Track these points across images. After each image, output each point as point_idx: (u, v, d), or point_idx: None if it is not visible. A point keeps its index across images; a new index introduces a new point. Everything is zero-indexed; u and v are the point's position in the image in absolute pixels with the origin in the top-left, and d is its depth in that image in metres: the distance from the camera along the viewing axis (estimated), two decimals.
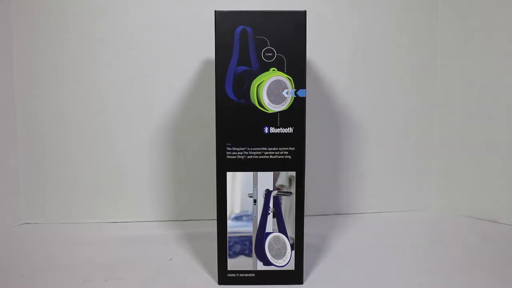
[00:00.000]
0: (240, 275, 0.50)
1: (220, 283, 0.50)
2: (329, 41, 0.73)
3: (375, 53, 0.74)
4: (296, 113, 0.48)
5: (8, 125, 0.69)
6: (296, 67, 0.47)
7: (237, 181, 0.49)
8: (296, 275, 0.50)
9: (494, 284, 0.50)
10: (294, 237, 0.49)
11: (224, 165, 0.48)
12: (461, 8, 0.73)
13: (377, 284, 0.50)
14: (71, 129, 0.71)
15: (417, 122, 0.77)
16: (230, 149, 0.48)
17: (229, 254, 0.49)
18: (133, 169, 0.72)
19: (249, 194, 0.49)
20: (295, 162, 0.48)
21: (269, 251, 0.49)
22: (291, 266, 0.50)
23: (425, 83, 0.76)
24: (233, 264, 0.50)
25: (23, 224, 0.72)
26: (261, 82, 0.47)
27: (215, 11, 0.47)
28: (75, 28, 0.69)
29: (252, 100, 0.47)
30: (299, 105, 0.48)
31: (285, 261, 0.50)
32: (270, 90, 0.47)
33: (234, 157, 0.48)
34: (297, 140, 0.48)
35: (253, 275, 0.50)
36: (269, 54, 0.47)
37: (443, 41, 0.75)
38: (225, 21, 0.46)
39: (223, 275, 0.50)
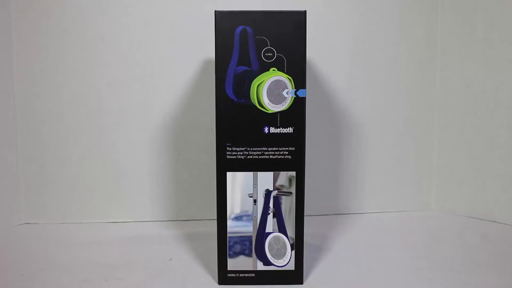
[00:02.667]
0: (240, 275, 0.50)
1: (220, 283, 0.50)
2: (329, 41, 0.73)
3: (375, 53, 0.74)
4: (296, 113, 0.48)
5: (8, 125, 0.69)
6: (296, 67, 0.47)
7: (237, 181, 0.49)
8: (296, 275, 0.50)
9: (494, 284, 0.50)
10: (294, 237, 0.49)
11: (224, 165, 0.48)
12: (462, 7, 0.73)
13: (377, 284, 0.50)
14: (71, 129, 0.71)
15: (417, 122, 0.77)
16: (230, 149, 0.48)
17: (229, 254, 0.49)
18: (133, 169, 0.72)
19: (249, 194, 0.49)
20: (295, 162, 0.48)
21: (269, 251, 0.49)
22: (291, 266, 0.50)
23: (425, 83, 0.76)
24: (233, 264, 0.50)
25: (23, 224, 0.72)
26: (261, 82, 0.47)
27: (215, 11, 0.47)
28: (75, 28, 0.69)
29: (252, 100, 0.47)
30: (299, 105, 0.48)
31: (285, 261, 0.50)
32: (270, 90, 0.47)
33: (234, 157, 0.48)
34: (297, 140, 0.48)
35: (253, 275, 0.50)
36: (269, 54, 0.47)
37: (443, 41, 0.75)
38: (225, 21, 0.46)
39: (223, 275, 0.50)
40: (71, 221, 0.72)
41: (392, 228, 0.70)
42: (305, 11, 0.47)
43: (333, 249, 0.61)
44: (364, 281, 0.51)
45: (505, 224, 0.71)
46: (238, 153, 0.48)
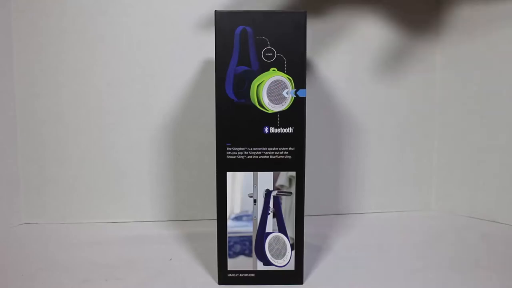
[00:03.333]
0: (240, 275, 0.50)
1: (220, 283, 0.50)
2: (329, 41, 0.73)
3: (375, 52, 0.74)
4: (296, 113, 0.48)
5: (8, 125, 0.69)
6: (296, 67, 0.47)
7: (237, 181, 0.49)
8: (296, 275, 0.50)
9: (494, 284, 0.50)
10: (294, 237, 0.49)
11: (224, 165, 0.48)
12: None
13: (377, 284, 0.50)
14: (71, 129, 0.71)
15: (417, 122, 0.77)
16: (230, 149, 0.48)
17: (229, 254, 0.49)
18: (133, 169, 0.72)
19: (249, 194, 0.49)
20: (295, 162, 0.48)
21: (269, 251, 0.49)
22: (291, 266, 0.50)
23: (425, 82, 0.76)
24: (233, 264, 0.50)
25: (23, 224, 0.72)
26: (261, 82, 0.47)
27: (215, 11, 0.47)
28: (75, 28, 0.69)
29: (252, 100, 0.47)
30: (299, 105, 0.48)
31: (285, 261, 0.50)
32: (270, 90, 0.47)
33: (234, 157, 0.48)
34: (297, 140, 0.48)
35: (253, 275, 0.50)
36: (269, 54, 0.47)
37: (443, 41, 0.75)
38: (225, 21, 0.46)
39: (223, 275, 0.50)
40: (71, 221, 0.72)
41: (392, 228, 0.70)
42: (305, 12, 0.47)
43: (333, 249, 0.61)
44: (364, 281, 0.51)
45: (505, 224, 0.71)
46: (238, 153, 0.48)
